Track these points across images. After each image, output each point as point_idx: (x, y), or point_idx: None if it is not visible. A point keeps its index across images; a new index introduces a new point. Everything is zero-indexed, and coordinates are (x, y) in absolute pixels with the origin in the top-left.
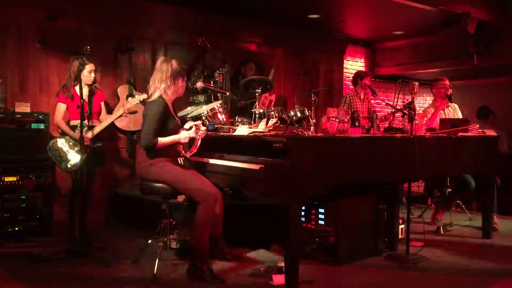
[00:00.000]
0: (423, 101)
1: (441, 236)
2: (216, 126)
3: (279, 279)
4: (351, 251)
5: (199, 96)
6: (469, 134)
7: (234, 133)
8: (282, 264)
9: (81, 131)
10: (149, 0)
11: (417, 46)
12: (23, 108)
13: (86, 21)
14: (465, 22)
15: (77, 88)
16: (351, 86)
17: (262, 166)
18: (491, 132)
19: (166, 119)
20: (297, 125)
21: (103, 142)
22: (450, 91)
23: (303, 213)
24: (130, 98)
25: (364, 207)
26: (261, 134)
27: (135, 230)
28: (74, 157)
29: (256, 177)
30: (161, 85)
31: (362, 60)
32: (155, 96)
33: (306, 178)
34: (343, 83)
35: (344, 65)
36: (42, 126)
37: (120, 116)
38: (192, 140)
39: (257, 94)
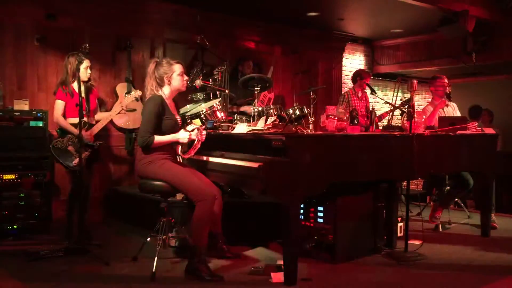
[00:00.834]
0: (422, 99)
1: (440, 234)
2: (215, 124)
3: (278, 277)
4: (349, 249)
5: (198, 94)
6: (468, 132)
7: (233, 131)
8: (281, 262)
9: (80, 129)
10: None
11: (416, 44)
12: (22, 106)
13: (85, 19)
14: (464, 20)
15: (74, 85)
16: (350, 85)
17: (261, 164)
18: (490, 131)
19: (162, 116)
20: (295, 123)
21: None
22: (449, 89)
23: (302, 211)
24: (126, 95)
25: (363, 205)
26: (260, 132)
27: (133, 228)
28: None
29: (255, 175)
30: (151, 84)
31: (361, 58)
32: (148, 94)
33: (305, 176)
34: (342, 81)
35: (343, 63)
36: (40, 124)
37: (119, 113)
38: (191, 142)
39: (256, 92)
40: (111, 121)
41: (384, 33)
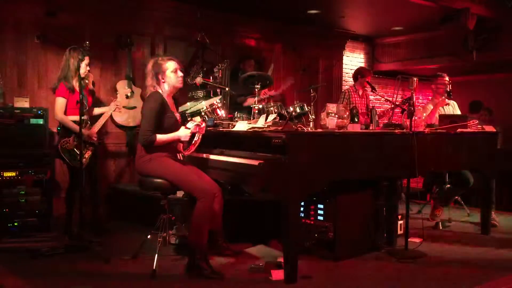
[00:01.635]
0: (422, 97)
1: (440, 232)
2: (215, 121)
3: (278, 274)
4: (350, 247)
5: (198, 91)
6: (468, 130)
7: (234, 129)
8: (281, 260)
9: (80, 127)
10: None
11: (417, 42)
12: (22, 103)
13: (85, 16)
14: (465, 18)
15: (74, 82)
16: (350, 82)
17: (261, 161)
18: (490, 128)
19: (163, 114)
20: (296, 121)
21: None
22: (449, 87)
23: (302, 208)
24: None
25: (363, 203)
26: (260, 130)
27: (134, 226)
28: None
29: (255, 172)
30: (150, 82)
31: (362, 56)
32: (147, 92)
33: (305, 174)
34: (342, 79)
35: (344, 61)
36: (41, 121)
37: (114, 110)
38: (192, 138)
39: (256, 89)
40: (111, 119)
41: (385, 31)
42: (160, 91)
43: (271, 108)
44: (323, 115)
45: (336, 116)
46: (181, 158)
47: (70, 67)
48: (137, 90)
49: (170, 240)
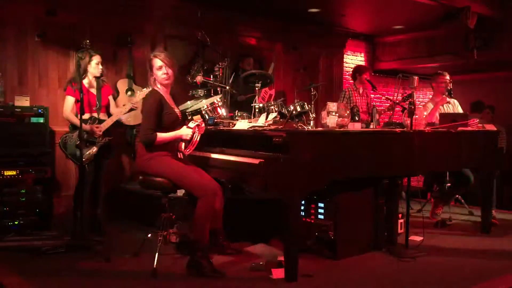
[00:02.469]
0: (423, 96)
1: (440, 231)
2: (216, 120)
3: (278, 273)
4: (350, 245)
5: (199, 90)
6: (468, 128)
7: (234, 128)
8: (282, 258)
9: (80, 125)
10: None
11: (417, 41)
12: (23, 102)
13: (86, 15)
14: (466, 16)
15: (84, 82)
16: (350, 81)
17: (261, 160)
18: (491, 127)
19: (161, 111)
20: (296, 120)
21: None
22: (450, 86)
23: (302, 207)
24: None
25: (364, 202)
26: (260, 128)
27: (134, 224)
28: (86, 150)
29: (255, 171)
30: (150, 80)
31: (362, 55)
32: (146, 90)
33: (305, 173)
34: (343, 77)
35: (344, 60)
36: (41, 120)
37: (130, 110)
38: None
39: (256, 88)
40: None
41: (386, 30)
42: (157, 88)
43: (272, 107)
44: (323, 113)
45: (337, 114)
46: (181, 157)
47: (79, 69)
48: (137, 89)
49: (171, 238)
